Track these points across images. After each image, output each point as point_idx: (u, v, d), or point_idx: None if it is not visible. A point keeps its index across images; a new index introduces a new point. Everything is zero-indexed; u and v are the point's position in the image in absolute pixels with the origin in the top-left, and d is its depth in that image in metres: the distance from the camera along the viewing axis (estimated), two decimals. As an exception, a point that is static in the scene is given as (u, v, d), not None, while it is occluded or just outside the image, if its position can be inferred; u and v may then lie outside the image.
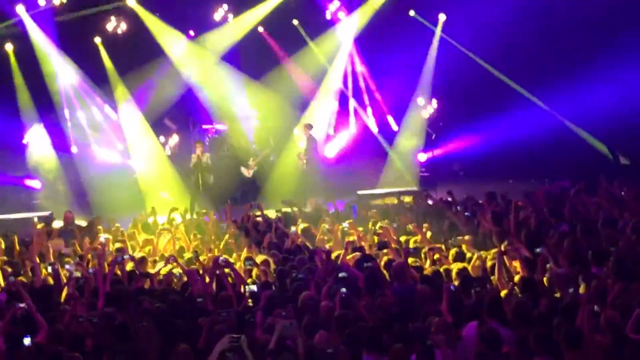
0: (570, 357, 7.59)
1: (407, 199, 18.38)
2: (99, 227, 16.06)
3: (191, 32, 24.93)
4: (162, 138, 24.65)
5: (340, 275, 10.26)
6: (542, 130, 22.87)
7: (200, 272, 11.38)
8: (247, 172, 23.32)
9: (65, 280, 11.36)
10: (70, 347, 8.62)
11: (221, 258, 11.57)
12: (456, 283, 10.23)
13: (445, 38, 24.66)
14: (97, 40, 24.32)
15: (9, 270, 12.35)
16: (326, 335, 8.52)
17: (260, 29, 25.21)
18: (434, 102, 25.15)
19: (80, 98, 24.17)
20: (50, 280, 11.58)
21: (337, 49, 25.34)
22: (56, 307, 10.11)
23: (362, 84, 25.59)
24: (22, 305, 9.67)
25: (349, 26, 25.00)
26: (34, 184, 23.19)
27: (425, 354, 7.82)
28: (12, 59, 23.37)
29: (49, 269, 11.99)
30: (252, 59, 25.52)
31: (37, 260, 12.25)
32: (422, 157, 24.34)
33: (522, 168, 23.08)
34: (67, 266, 12.18)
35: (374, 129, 25.37)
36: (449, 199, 16.18)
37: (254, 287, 10.51)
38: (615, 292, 9.08)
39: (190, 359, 8.28)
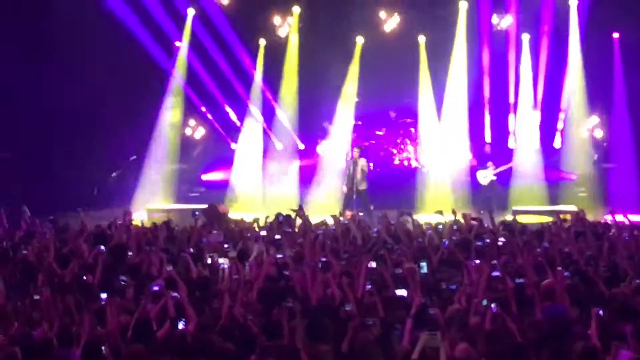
0: None
1: (565, 218, 17.96)
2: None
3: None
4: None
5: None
6: None
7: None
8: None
9: (221, 274, 11.70)
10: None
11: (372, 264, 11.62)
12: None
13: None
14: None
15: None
16: (467, 348, 8.41)
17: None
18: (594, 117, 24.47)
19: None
20: (206, 273, 11.90)
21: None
22: (210, 300, 10.38)
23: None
24: (175, 294, 9.99)
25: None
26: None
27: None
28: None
29: (209, 260, 12.39)
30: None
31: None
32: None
33: None
34: (221, 260, 12.51)
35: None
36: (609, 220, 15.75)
37: (404, 293, 10.46)
38: None
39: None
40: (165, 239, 14.46)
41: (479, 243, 13.70)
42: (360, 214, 19.45)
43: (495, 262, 11.99)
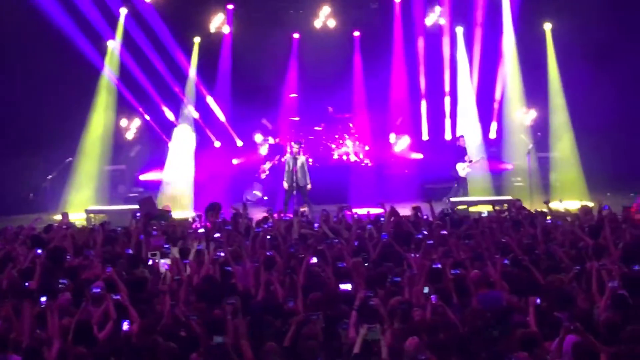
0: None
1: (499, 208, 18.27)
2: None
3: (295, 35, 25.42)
4: (259, 137, 25.22)
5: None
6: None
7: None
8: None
9: (162, 275, 11.64)
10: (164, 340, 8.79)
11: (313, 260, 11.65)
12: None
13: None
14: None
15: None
16: (417, 342, 8.47)
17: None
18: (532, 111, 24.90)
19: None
20: (147, 274, 11.80)
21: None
22: (151, 300, 10.31)
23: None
24: (117, 297, 9.92)
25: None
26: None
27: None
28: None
29: (150, 262, 12.30)
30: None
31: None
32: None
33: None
34: (162, 261, 12.42)
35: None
36: (544, 209, 16.07)
37: (348, 287, 10.48)
38: None
39: (277, 356, 8.38)
40: (104, 240, 14.29)
41: (419, 235, 13.79)
42: (302, 209, 19.41)
43: (434, 253, 12.15)
